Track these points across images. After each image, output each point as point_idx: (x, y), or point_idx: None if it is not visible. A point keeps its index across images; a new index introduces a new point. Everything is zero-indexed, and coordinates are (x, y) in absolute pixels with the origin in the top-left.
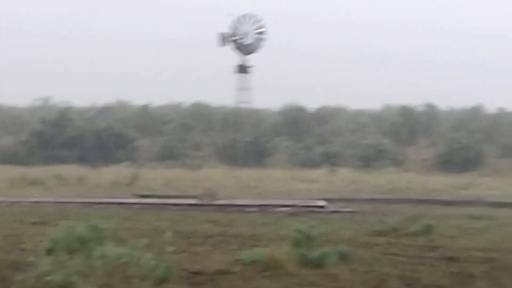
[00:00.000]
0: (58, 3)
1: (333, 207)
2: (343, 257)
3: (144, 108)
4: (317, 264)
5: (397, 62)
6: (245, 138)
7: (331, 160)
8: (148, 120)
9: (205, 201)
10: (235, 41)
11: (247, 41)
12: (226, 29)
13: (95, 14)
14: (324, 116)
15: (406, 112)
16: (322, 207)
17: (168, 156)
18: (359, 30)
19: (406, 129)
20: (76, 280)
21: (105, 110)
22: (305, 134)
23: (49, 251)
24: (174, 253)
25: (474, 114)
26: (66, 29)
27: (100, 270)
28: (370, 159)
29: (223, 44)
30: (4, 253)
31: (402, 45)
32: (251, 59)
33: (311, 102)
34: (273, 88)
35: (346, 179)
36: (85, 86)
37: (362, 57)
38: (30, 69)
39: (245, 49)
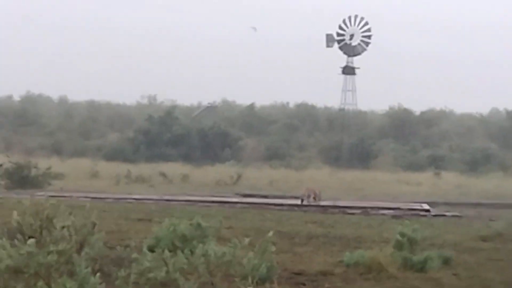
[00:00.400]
0: (149, 6)
1: (437, 211)
2: (447, 262)
3: (250, 107)
4: (420, 267)
5: (502, 64)
6: (350, 139)
7: (437, 163)
8: (254, 120)
9: (308, 202)
10: (341, 42)
11: (354, 42)
12: (334, 30)
13: (201, 16)
14: (431, 119)
15: None
16: (426, 210)
17: (273, 156)
18: (463, 32)
19: None
20: (178, 277)
21: (210, 109)
22: (410, 136)
23: (152, 248)
24: (277, 253)
25: None
26: (170, 32)
27: (202, 268)
28: (476, 163)
29: (330, 45)
30: (108, 249)
31: (507, 46)
32: (357, 61)
33: (416, 104)
34: (378, 90)
35: (451, 183)
36: (190, 84)
37: (467, 59)
38: (137, 68)
39: (352, 51)
